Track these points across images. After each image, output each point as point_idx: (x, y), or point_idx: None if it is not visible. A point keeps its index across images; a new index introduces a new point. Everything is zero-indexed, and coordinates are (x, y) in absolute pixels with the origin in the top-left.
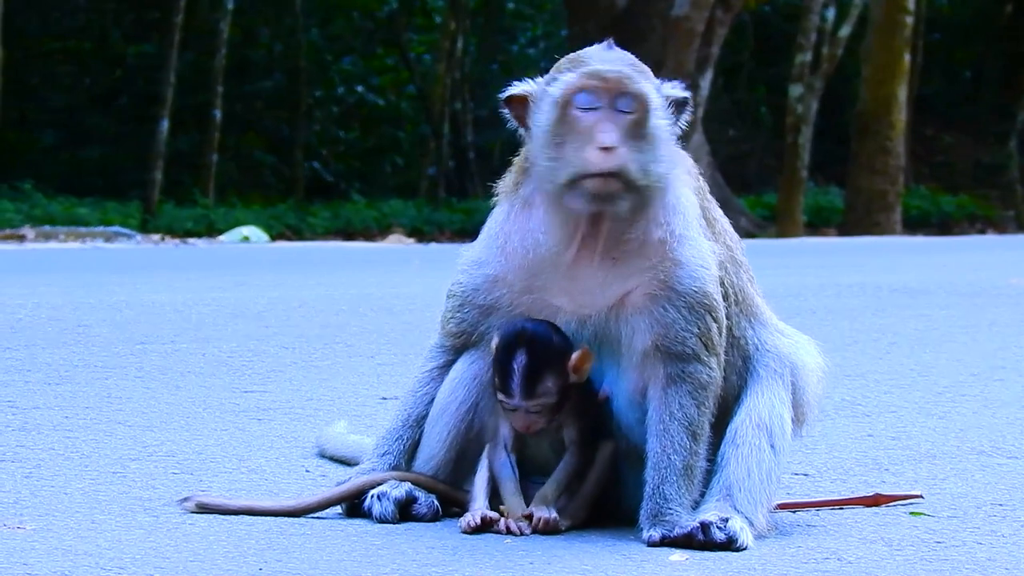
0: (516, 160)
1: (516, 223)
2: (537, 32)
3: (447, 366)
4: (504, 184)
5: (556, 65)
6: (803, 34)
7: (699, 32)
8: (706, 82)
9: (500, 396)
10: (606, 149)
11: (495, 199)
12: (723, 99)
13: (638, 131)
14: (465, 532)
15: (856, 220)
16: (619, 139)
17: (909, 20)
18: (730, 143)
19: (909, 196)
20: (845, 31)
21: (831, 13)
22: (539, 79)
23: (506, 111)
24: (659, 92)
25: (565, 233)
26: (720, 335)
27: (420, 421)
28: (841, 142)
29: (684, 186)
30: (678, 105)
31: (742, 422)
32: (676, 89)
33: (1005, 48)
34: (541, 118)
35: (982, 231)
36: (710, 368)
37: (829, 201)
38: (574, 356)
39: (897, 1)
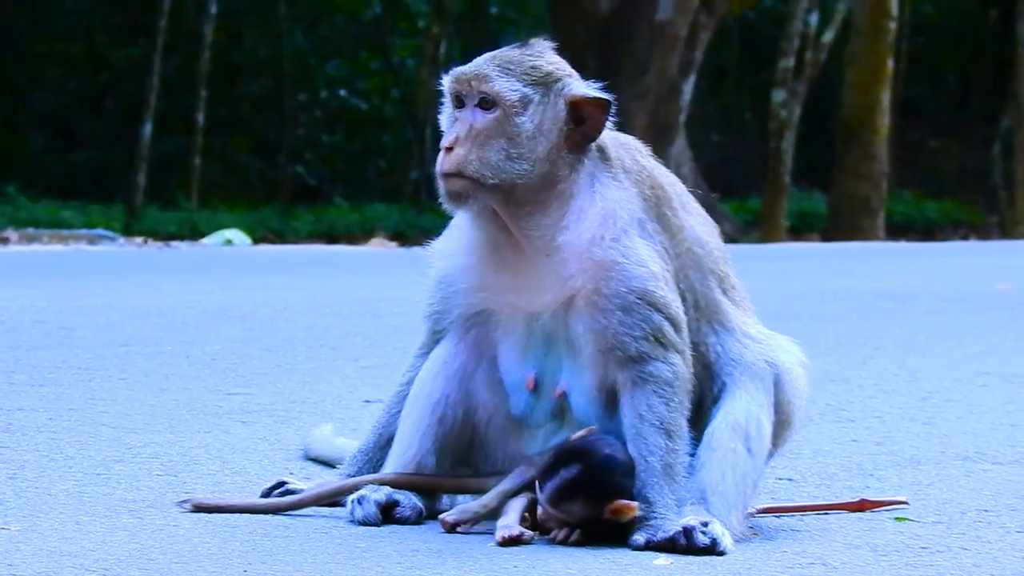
0: None
1: (462, 220)
2: (521, 36)
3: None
4: None
5: None
6: (786, 39)
7: (683, 36)
8: (689, 86)
9: (536, 484)
10: (447, 149)
11: None
12: (707, 104)
13: (501, 129)
14: (500, 545)
15: (839, 225)
16: (463, 139)
17: (893, 25)
18: (714, 148)
19: (893, 201)
20: (829, 36)
21: (815, 18)
22: None
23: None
24: (530, 91)
25: (484, 233)
26: (677, 331)
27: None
28: (825, 147)
29: (618, 190)
30: (597, 107)
31: (718, 426)
32: (589, 89)
33: (991, 53)
34: (442, 120)
35: (965, 237)
36: (671, 364)
37: (812, 206)
38: (617, 502)
39: (881, 6)
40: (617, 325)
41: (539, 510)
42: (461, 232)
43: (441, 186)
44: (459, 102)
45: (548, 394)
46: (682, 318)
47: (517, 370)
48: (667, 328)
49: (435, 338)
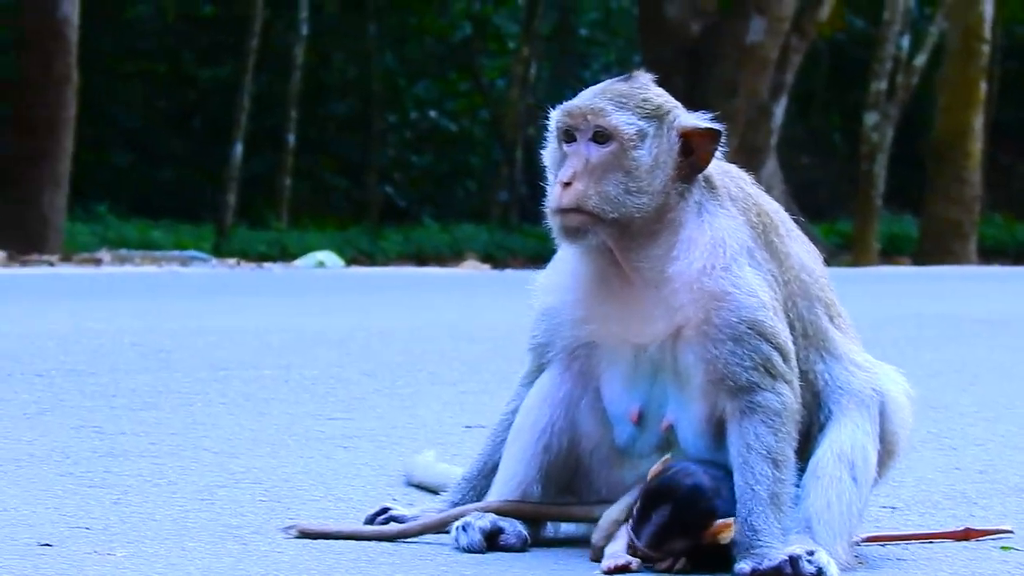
0: None
1: (568, 253)
2: (611, 58)
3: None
4: None
5: None
6: (878, 62)
7: (773, 59)
8: (780, 109)
9: (630, 532)
10: (565, 184)
11: None
12: (797, 126)
13: (616, 163)
14: (607, 573)
15: (931, 249)
16: (580, 173)
17: (985, 48)
18: (804, 170)
19: (984, 225)
20: (921, 59)
21: (906, 41)
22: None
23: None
24: (645, 124)
25: (592, 266)
26: (786, 361)
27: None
28: (916, 170)
29: (726, 218)
30: (707, 137)
31: (823, 454)
32: (700, 120)
33: None
34: (547, 156)
35: None
36: (779, 394)
37: (903, 229)
38: (716, 524)
39: (973, 29)
40: (727, 355)
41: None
42: (567, 265)
43: (557, 221)
44: (569, 136)
45: (653, 426)
46: (791, 348)
47: (621, 402)
48: (776, 358)
49: (540, 368)
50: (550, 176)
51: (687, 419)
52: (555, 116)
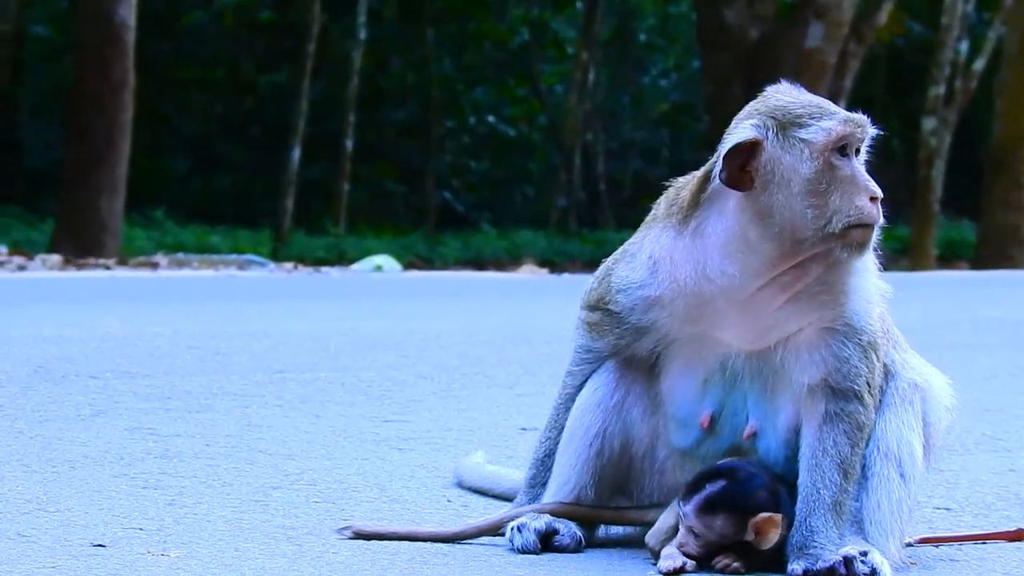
0: (675, 186)
1: (686, 251)
2: (669, 63)
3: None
4: (662, 209)
5: (767, 108)
6: (936, 67)
7: (831, 64)
8: None
9: (679, 498)
10: (876, 199)
11: (650, 222)
12: None
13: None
14: (663, 574)
15: (989, 254)
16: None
17: None
18: None
19: None
20: (979, 64)
21: (965, 46)
22: (755, 124)
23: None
24: None
25: (760, 271)
26: (880, 378)
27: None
28: (974, 176)
29: None
30: None
31: (870, 452)
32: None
33: None
34: (800, 165)
35: None
36: (868, 410)
37: (961, 235)
38: (761, 515)
39: None
40: (854, 359)
41: (681, 531)
42: (680, 261)
43: (860, 234)
44: (844, 150)
45: (723, 432)
46: (883, 365)
47: (691, 406)
48: (878, 372)
49: (592, 354)
50: (802, 189)
51: (772, 428)
52: (832, 127)
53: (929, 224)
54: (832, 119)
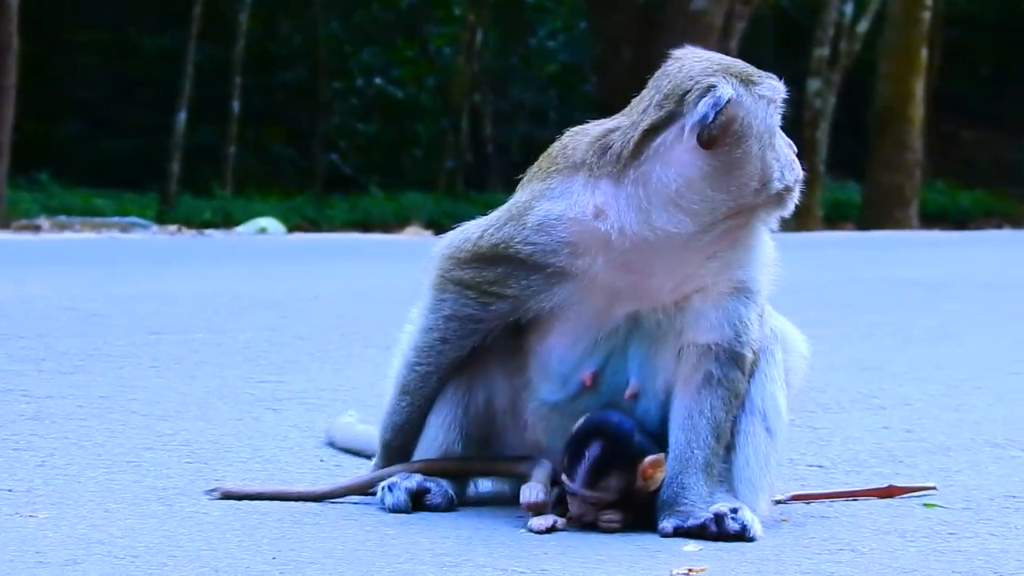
0: (589, 136)
1: (629, 199)
2: (557, 25)
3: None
4: (574, 157)
5: (720, 67)
6: (821, 28)
7: (718, 26)
8: None
9: (563, 478)
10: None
11: (556, 170)
12: None
13: None
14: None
15: (874, 215)
16: None
17: (927, 15)
18: None
19: (927, 191)
20: (863, 26)
21: (850, 8)
22: (727, 82)
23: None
24: None
25: (708, 222)
26: (755, 357)
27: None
28: (859, 137)
29: None
30: None
31: None
32: None
33: None
34: (769, 119)
35: (999, 227)
36: (745, 379)
37: (847, 196)
38: (647, 460)
39: None
40: (749, 323)
41: (573, 504)
42: (612, 208)
43: (799, 191)
44: None
45: (603, 391)
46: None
47: (573, 362)
48: (756, 344)
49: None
50: (768, 143)
51: (653, 389)
52: (780, 89)
53: (814, 185)
54: (772, 78)
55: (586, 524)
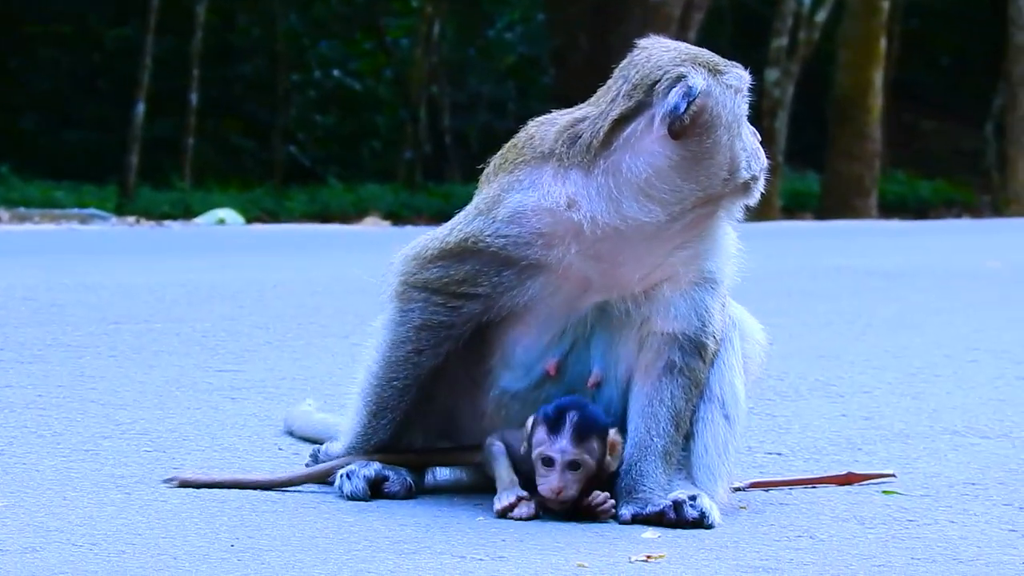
0: (557, 126)
1: (600, 189)
2: (515, 16)
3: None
4: (542, 147)
5: (688, 58)
6: (779, 18)
7: (676, 16)
8: None
9: (540, 447)
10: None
11: (524, 161)
12: None
13: None
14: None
15: (833, 205)
16: None
17: (885, 5)
18: None
19: (886, 181)
20: (822, 16)
21: None
22: (697, 72)
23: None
24: None
25: (678, 211)
26: (716, 346)
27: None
28: (818, 127)
29: None
30: None
31: None
32: None
33: (985, 34)
34: (737, 109)
35: (958, 216)
36: (705, 368)
37: (806, 186)
38: (612, 434)
39: None
40: (713, 313)
41: (551, 478)
42: (583, 197)
43: (764, 179)
44: None
45: (566, 379)
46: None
47: (537, 351)
48: (718, 336)
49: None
50: (738, 132)
51: (615, 378)
52: (746, 79)
53: (773, 175)
54: (737, 67)
55: (565, 504)
